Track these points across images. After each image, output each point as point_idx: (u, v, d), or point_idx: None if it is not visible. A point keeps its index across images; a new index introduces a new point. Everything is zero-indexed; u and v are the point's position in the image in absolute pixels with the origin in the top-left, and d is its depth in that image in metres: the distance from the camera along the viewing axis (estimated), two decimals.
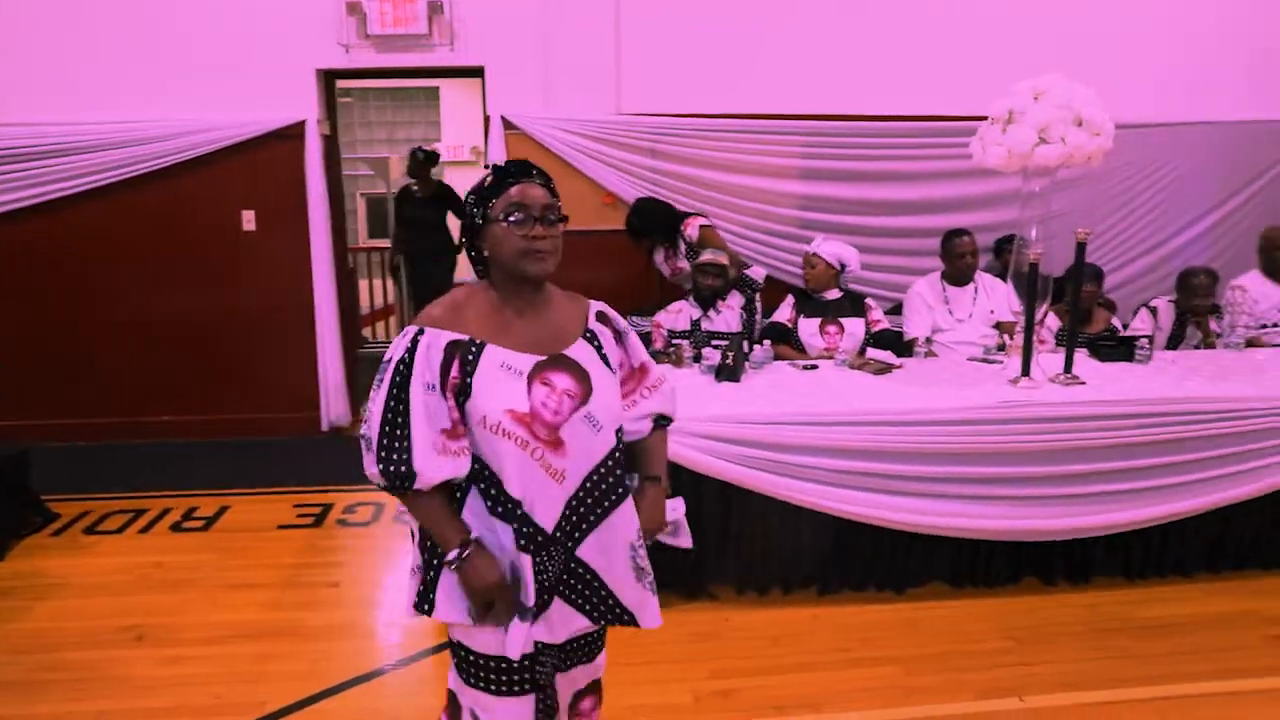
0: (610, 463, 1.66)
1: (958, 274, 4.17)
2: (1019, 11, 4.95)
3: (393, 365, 1.54)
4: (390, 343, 1.76)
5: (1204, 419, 3.28)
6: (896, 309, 4.43)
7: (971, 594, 3.33)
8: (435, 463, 1.52)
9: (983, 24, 4.92)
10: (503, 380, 1.55)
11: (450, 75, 5.76)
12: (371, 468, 1.54)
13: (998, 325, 4.10)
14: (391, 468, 1.51)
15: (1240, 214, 5.33)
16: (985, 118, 3.35)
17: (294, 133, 4.91)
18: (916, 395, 3.26)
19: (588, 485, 1.63)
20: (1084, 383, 3.41)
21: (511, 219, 1.56)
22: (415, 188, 6.36)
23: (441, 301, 1.63)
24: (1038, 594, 3.34)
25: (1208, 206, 5.34)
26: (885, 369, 3.56)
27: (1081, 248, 3.50)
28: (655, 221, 4.52)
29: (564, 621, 1.68)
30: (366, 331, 7.97)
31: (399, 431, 1.52)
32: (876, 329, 4.04)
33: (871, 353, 3.72)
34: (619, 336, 1.76)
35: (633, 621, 1.74)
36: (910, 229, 4.89)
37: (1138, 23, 5.07)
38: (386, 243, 7.17)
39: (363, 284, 7.98)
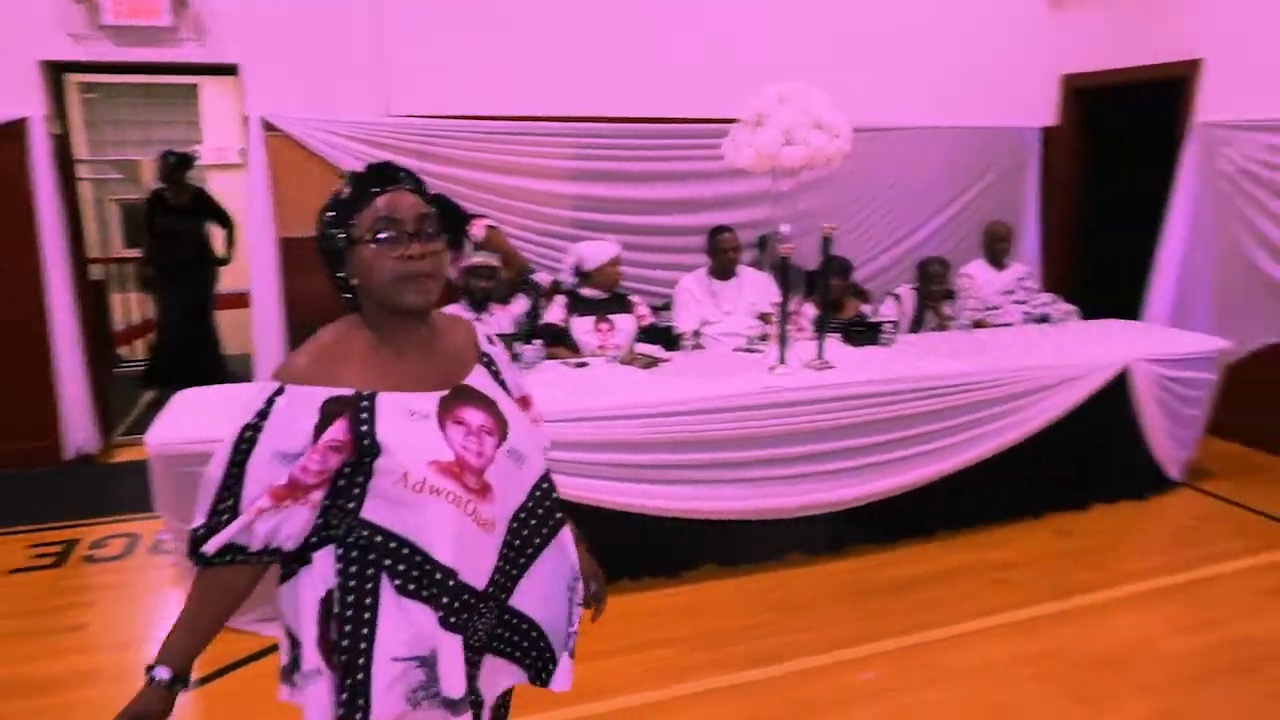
0: (538, 494, 1.48)
1: (722, 268, 4.38)
2: (775, 17, 5.25)
3: (238, 430, 1.29)
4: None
5: (936, 394, 3.64)
6: (667, 305, 4.60)
7: (742, 572, 3.51)
8: (253, 526, 1.29)
9: (743, 28, 5.17)
10: (413, 429, 1.32)
11: (199, 72, 5.39)
12: (194, 524, 1.32)
13: (761, 316, 4.34)
14: (202, 533, 1.30)
15: (970, 209, 5.92)
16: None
17: (14, 131, 4.42)
18: (682, 387, 3.40)
19: (514, 526, 1.44)
20: (834, 366, 3.68)
21: (381, 237, 1.32)
22: (168, 194, 5.88)
23: (306, 349, 1.35)
24: (801, 566, 3.58)
25: (942, 203, 5.90)
26: (653, 363, 3.68)
27: (827, 242, 3.77)
28: (440, 223, 4.41)
29: (491, 681, 1.48)
30: (124, 349, 7.31)
31: (228, 503, 1.29)
32: (645, 324, 4.18)
33: (640, 348, 3.83)
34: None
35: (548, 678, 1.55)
36: (677, 227, 5.07)
37: (882, 32, 5.51)
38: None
39: (119, 298, 7.32)
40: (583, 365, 3.71)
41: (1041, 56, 5.95)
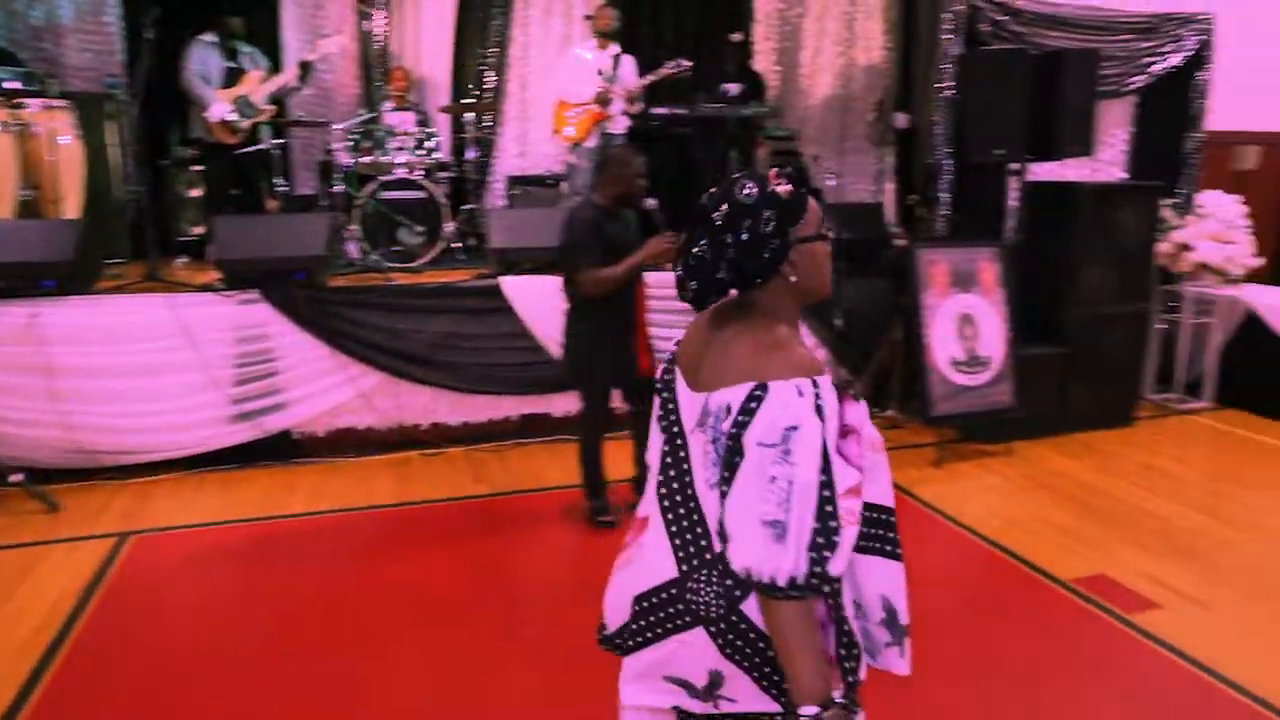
0: None
1: None
2: None
3: (808, 431, 1.29)
4: None
5: None
6: None
7: None
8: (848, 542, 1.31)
9: None
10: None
11: None
12: (791, 562, 1.26)
13: None
14: (819, 566, 1.28)
15: None
16: None
17: None
18: None
19: None
20: None
21: (828, 234, 1.46)
22: None
23: (781, 338, 1.40)
24: None
25: None
26: None
27: None
28: None
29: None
30: None
31: (830, 509, 1.28)
32: None
33: None
34: None
35: None
36: None
37: None
38: None
39: None
40: None
41: None
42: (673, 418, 1.52)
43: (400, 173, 5.73)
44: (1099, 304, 5.33)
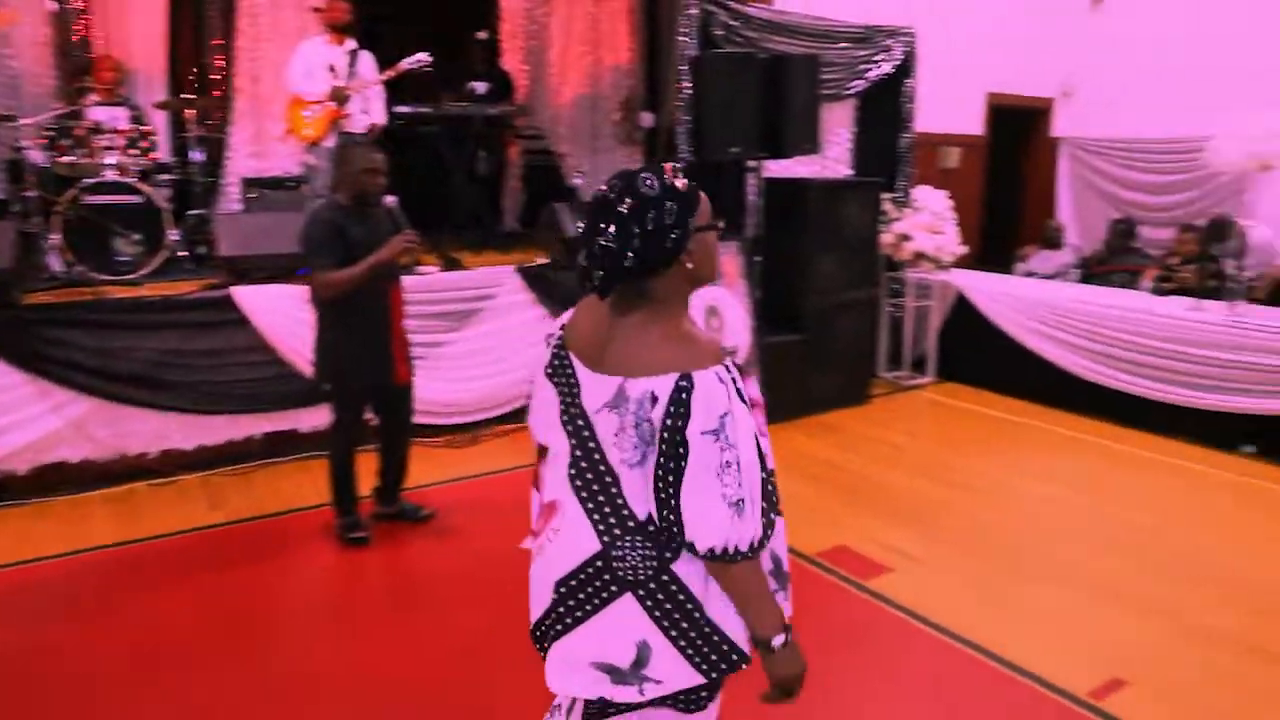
0: None
1: None
2: None
3: (738, 415, 1.44)
4: None
5: None
6: None
7: None
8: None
9: None
10: None
11: None
12: (752, 529, 1.44)
13: None
14: (770, 528, 1.49)
15: None
16: None
17: None
18: None
19: None
20: None
21: (719, 224, 1.57)
22: None
23: (685, 325, 1.53)
24: None
25: None
26: None
27: None
28: None
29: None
30: None
31: (765, 475, 1.49)
32: None
33: None
34: None
35: None
36: None
37: None
38: None
39: None
40: None
41: None
42: (572, 397, 1.56)
43: (110, 175, 5.13)
44: (832, 292, 5.74)
